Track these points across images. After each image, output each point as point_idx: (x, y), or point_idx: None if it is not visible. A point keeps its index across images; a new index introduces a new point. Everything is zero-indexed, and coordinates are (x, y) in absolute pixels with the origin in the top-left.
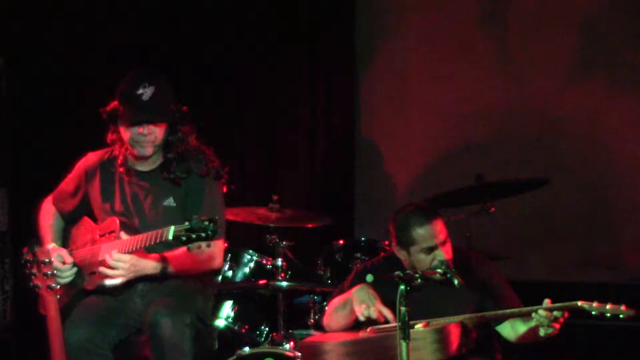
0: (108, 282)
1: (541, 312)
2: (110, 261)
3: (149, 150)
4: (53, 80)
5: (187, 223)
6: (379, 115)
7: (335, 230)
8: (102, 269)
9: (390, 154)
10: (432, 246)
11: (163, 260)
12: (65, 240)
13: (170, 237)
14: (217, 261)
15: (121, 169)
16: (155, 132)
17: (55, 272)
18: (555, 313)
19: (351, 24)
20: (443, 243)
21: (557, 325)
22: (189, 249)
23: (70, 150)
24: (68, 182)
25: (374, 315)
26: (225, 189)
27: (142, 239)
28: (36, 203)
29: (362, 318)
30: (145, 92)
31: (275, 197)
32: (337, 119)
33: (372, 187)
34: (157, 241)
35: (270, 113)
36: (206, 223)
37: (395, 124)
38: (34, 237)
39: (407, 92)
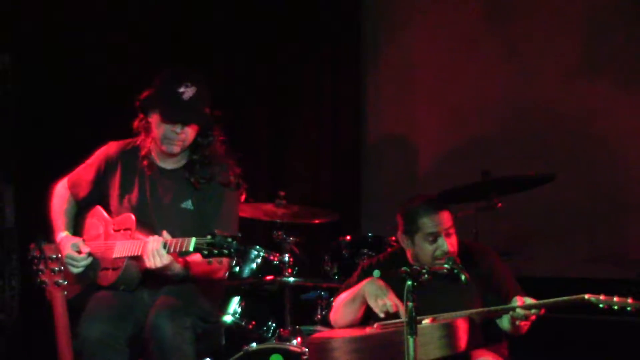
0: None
1: (518, 310)
2: (153, 250)
3: (177, 149)
4: (60, 77)
5: (209, 237)
6: (386, 112)
7: (342, 226)
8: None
9: (397, 149)
10: (435, 232)
11: (186, 264)
12: (77, 228)
13: (191, 248)
14: (222, 272)
15: (145, 162)
16: (188, 133)
17: (69, 260)
18: (533, 311)
19: (357, 21)
20: (447, 233)
21: (529, 320)
22: (209, 263)
23: (77, 147)
24: (87, 168)
25: (391, 309)
26: (244, 198)
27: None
28: (43, 200)
29: (381, 314)
30: (187, 92)
31: (282, 193)
32: (343, 115)
33: (379, 183)
34: (177, 250)
35: (277, 110)
36: (230, 240)
37: (401, 120)
38: (41, 234)
39: (414, 88)
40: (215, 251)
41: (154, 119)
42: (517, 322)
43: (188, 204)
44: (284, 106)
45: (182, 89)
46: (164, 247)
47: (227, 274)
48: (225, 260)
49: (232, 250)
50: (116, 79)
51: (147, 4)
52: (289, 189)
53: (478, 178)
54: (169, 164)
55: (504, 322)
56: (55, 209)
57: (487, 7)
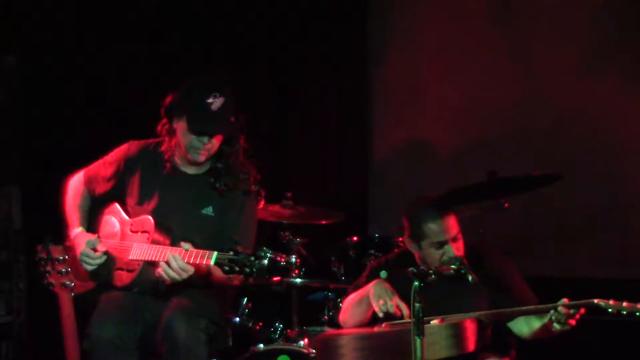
0: (161, 274)
1: (560, 309)
2: (174, 265)
3: (202, 159)
4: (65, 78)
5: (232, 253)
6: (392, 112)
7: (349, 227)
8: (162, 265)
9: (403, 150)
10: (442, 241)
11: (208, 271)
12: (91, 222)
13: (212, 262)
14: (238, 281)
15: (167, 165)
16: (213, 143)
17: (84, 258)
18: (572, 310)
19: (363, 22)
20: (454, 239)
21: (573, 322)
22: (229, 279)
23: (84, 148)
24: (106, 165)
25: (392, 310)
26: (262, 205)
27: (182, 255)
28: (50, 201)
29: (380, 314)
30: (215, 102)
31: (288, 194)
32: (350, 115)
33: (385, 183)
34: (197, 262)
35: (283, 111)
36: (252, 259)
37: (408, 120)
38: (48, 235)
39: (420, 89)
40: (237, 268)
41: (180, 126)
42: (561, 326)
43: (209, 210)
44: (289, 107)
45: (210, 100)
46: (184, 258)
47: (238, 281)
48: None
49: (253, 269)
50: (121, 80)
51: (149, 5)
52: (295, 190)
53: (484, 178)
54: (191, 169)
55: (519, 325)
56: (70, 203)
57: (492, 7)
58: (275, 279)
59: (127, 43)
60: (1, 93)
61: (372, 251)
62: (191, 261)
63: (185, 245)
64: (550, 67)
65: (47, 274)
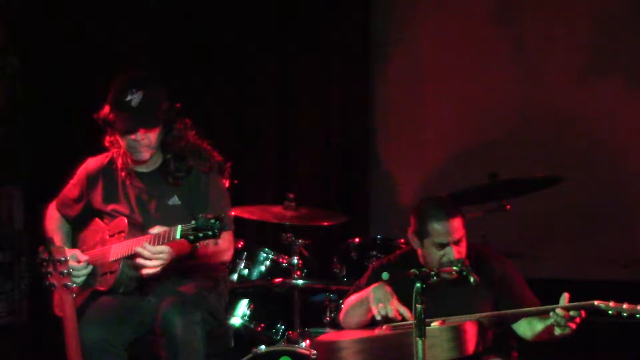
0: (146, 271)
1: (558, 311)
2: (146, 253)
3: (145, 155)
4: (68, 80)
5: (193, 222)
6: (394, 114)
7: (351, 228)
8: (140, 261)
9: (405, 151)
10: (444, 242)
11: (188, 247)
12: (74, 243)
13: (178, 236)
14: (228, 254)
15: (122, 173)
16: (149, 137)
17: (70, 271)
18: (572, 313)
19: (366, 21)
20: (457, 242)
21: (574, 325)
22: (195, 247)
23: (86, 150)
24: (71, 188)
25: (391, 314)
26: (228, 184)
27: (150, 239)
28: (51, 202)
29: (378, 317)
30: (134, 98)
31: (291, 196)
32: (352, 117)
33: (387, 185)
34: (165, 241)
35: (286, 112)
36: (212, 221)
37: (410, 122)
38: (50, 236)
39: (422, 90)
40: (200, 234)
41: (116, 132)
42: (561, 329)
43: (174, 200)
44: (292, 108)
45: (129, 97)
46: (153, 242)
47: (228, 255)
48: (212, 243)
49: (215, 230)
50: None
51: (152, 5)
52: (297, 191)
53: (486, 180)
54: (145, 168)
55: (523, 327)
56: (49, 227)
57: (495, 8)
58: (277, 280)
59: (129, 43)
60: (4, 94)
61: (374, 252)
62: (160, 243)
63: (154, 230)
64: (552, 69)
65: (49, 275)
